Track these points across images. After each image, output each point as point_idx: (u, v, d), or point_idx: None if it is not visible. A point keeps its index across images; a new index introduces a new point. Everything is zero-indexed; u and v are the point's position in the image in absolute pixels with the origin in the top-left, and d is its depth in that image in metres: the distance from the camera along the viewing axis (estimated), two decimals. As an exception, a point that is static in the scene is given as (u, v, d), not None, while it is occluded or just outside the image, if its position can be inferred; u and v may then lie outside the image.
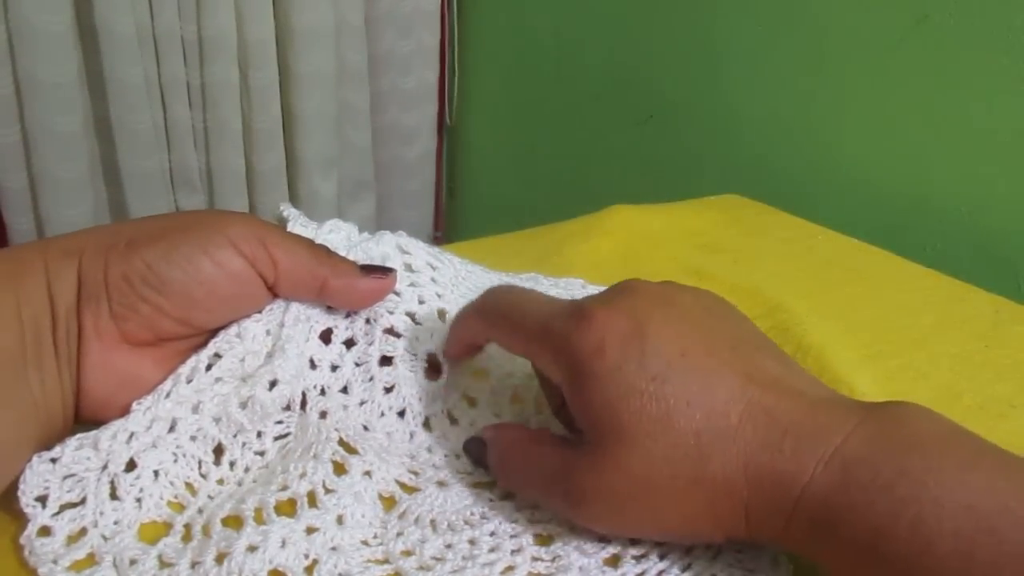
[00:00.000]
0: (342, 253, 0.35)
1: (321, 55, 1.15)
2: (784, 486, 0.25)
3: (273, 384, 0.33)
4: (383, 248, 0.36)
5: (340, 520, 0.29)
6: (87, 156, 1.08)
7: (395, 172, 1.35)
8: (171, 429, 0.31)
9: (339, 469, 0.31)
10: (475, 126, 1.38)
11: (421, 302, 0.36)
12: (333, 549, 0.28)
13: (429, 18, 1.28)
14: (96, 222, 1.10)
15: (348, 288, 0.33)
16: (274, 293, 0.33)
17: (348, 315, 0.35)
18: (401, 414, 0.35)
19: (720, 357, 0.27)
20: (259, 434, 0.33)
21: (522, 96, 1.26)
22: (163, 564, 0.27)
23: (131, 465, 0.30)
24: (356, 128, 1.25)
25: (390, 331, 0.35)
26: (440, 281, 0.37)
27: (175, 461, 0.31)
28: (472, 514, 0.30)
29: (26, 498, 0.28)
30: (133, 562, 0.27)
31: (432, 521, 0.30)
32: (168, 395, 0.31)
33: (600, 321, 0.27)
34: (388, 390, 0.35)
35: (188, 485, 0.31)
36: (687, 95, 0.95)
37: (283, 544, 0.27)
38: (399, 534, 0.29)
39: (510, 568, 0.28)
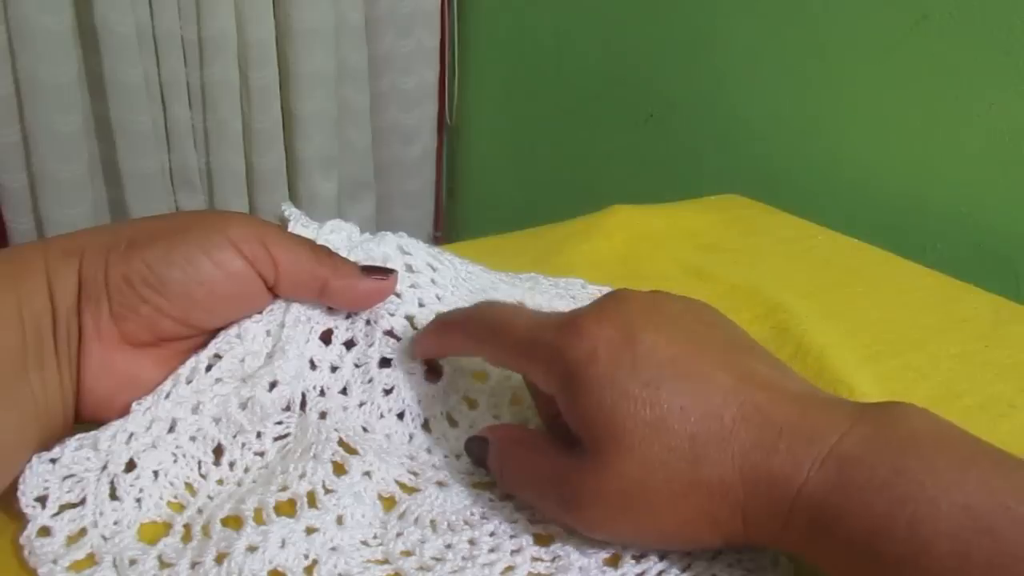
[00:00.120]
0: (343, 253, 0.35)
1: (321, 55, 1.15)
2: (780, 487, 0.25)
3: (273, 385, 0.33)
4: (384, 248, 0.36)
5: (340, 520, 0.29)
6: (87, 156, 1.08)
7: (395, 172, 1.35)
8: (171, 429, 0.31)
9: (339, 469, 0.31)
10: (475, 126, 1.38)
11: (421, 304, 0.36)
12: (333, 549, 0.28)
13: (429, 18, 1.28)
14: (96, 222, 1.10)
15: (349, 289, 0.33)
16: (274, 293, 0.33)
17: (348, 316, 0.35)
18: (400, 416, 0.35)
19: (711, 361, 0.27)
20: (259, 435, 0.33)
21: (522, 96, 1.26)
22: (163, 564, 0.27)
23: (131, 465, 0.30)
24: (356, 128, 1.25)
25: (390, 333, 0.35)
26: (440, 283, 0.37)
27: (175, 461, 0.31)
28: (472, 514, 0.30)
29: (26, 498, 0.28)
30: (133, 562, 0.27)
31: (432, 521, 0.30)
32: (168, 395, 0.31)
33: (590, 330, 0.27)
34: (387, 392, 0.35)
35: (188, 485, 0.31)
36: (687, 95, 0.95)
37: (283, 544, 0.27)
38: (399, 534, 0.29)
39: (510, 568, 0.28)
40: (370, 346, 0.35)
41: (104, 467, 0.29)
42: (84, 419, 0.30)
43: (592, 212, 0.61)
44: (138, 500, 0.29)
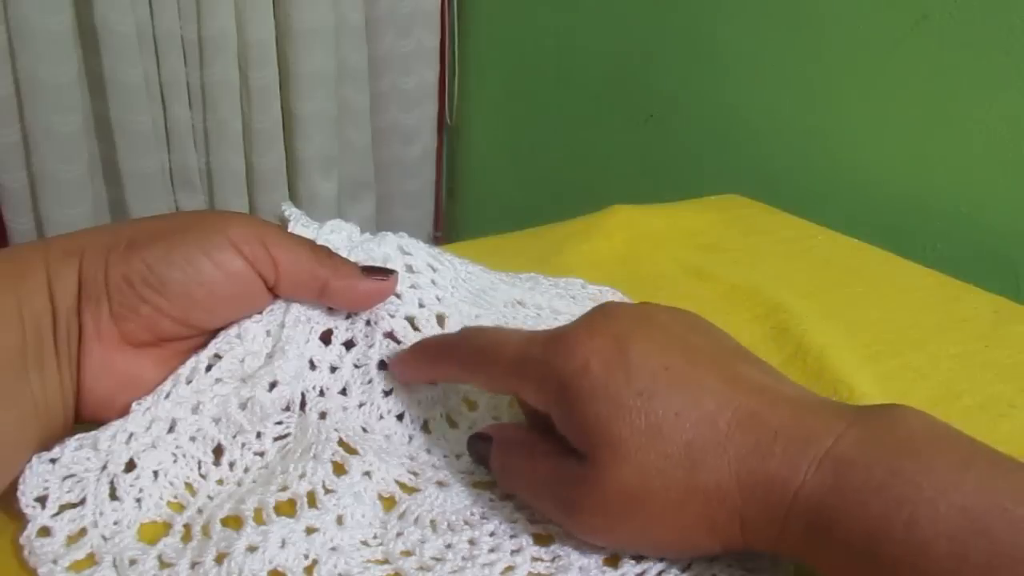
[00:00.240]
0: (343, 254, 0.35)
1: (321, 55, 1.15)
2: (777, 490, 0.25)
3: (273, 385, 0.33)
4: (384, 249, 0.36)
5: (340, 520, 0.29)
6: (87, 156, 1.08)
7: (395, 172, 1.35)
8: (171, 429, 0.31)
9: (339, 469, 0.31)
10: (475, 126, 1.38)
11: (421, 305, 0.36)
12: (333, 549, 0.28)
13: (429, 18, 1.28)
14: (96, 222, 1.10)
15: (349, 289, 0.33)
16: (275, 294, 0.33)
17: (349, 316, 0.35)
18: (400, 417, 0.35)
19: (704, 368, 0.27)
20: (259, 435, 0.33)
21: (522, 96, 1.26)
22: (163, 564, 0.27)
23: (131, 465, 0.30)
24: (356, 128, 1.25)
25: (390, 334, 0.35)
26: (440, 283, 0.37)
27: (175, 461, 0.31)
28: (472, 514, 0.30)
29: (26, 498, 0.28)
30: (133, 562, 0.27)
31: (432, 521, 0.30)
32: (168, 396, 0.31)
33: (581, 343, 0.27)
34: (387, 393, 0.35)
35: (188, 485, 0.31)
36: (687, 95, 0.95)
37: (283, 544, 0.27)
38: (399, 534, 0.29)
39: (510, 568, 0.28)
40: (370, 347, 0.35)
41: (104, 467, 0.29)
42: (84, 419, 0.30)
43: (592, 212, 0.61)
44: (138, 500, 0.29)
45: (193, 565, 0.27)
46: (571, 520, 0.28)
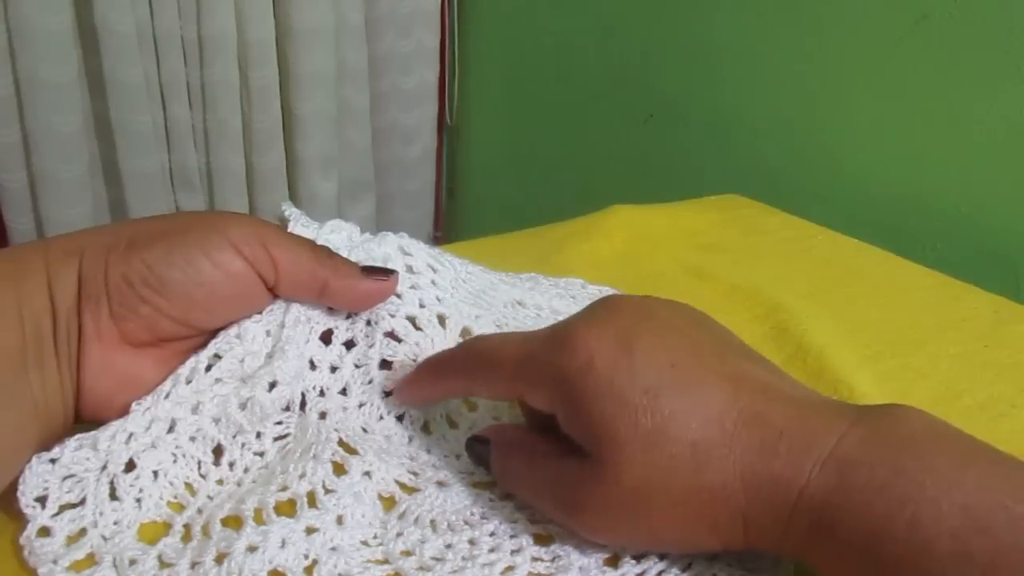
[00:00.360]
0: (343, 254, 0.35)
1: (321, 55, 1.15)
2: (781, 491, 0.25)
3: (273, 385, 0.33)
4: (385, 249, 0.36)
5: (340, 520, 0.29)
6: (87, 156, 1.08)
7: (395, 172, 1.35)
8: (170, 430, 0.31)
9: (339, 469, 0.31)
10: (475, 126, 1.38)
11: (422, 305, 0.36)
12: (333, 549, 0.28)
13: (429, 18, 1.28)
14: (96, 222, 1.10)
15: (349, 289, 0.33)
16: (275, 294, 0.33)
17: (349, 316, 0.35)
18: (400, 418, 0.35)
19: (709, 367, 0.27)
20: (258, 435, 0.33)
21: (522, 96, 1.26)
22: (163, 564, 0.27)
23: (130, 465, 0.30)
24: (356, 128, 1.25)
25: (391, 334, 0.35)
26: (440, 284, 0.37)
27: (174, 461, 0.31)
28: (472, 514, 0.30)
29: (26, 499, 0.28)
30: (133, 562, 0.27)
31: (432, 521, 0.30)
32: (167, 396, 0.31)
33: (585, 339, 0.27)
34: (388, 393, 0.35)
35: (188, 485, 0.31)
36: (687, 95, 0.95)
37: (283, 544, 0.27)
38: (399, 534, 0.29)
39: (510, 568, 0.28)
40: (370, 347, 0.35)
41: (104, 467, 0.29)
42: (84, 419, 0.30)
43: (592, 212, 0.61)
44: (138, 500, 0.29)
45: (193, 565, 0.27)
46: (574, 520, 0.28)
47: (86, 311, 0.29)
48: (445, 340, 0.36)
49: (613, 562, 0.28)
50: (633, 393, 0.26)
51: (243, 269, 0.31)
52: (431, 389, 0.33)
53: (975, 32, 0.66)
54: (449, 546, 0.29)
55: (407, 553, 0.28)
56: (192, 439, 0.31)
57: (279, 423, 0.33)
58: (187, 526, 0.29)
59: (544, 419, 0.29)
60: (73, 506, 0.28)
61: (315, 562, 0.27)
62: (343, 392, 0.34)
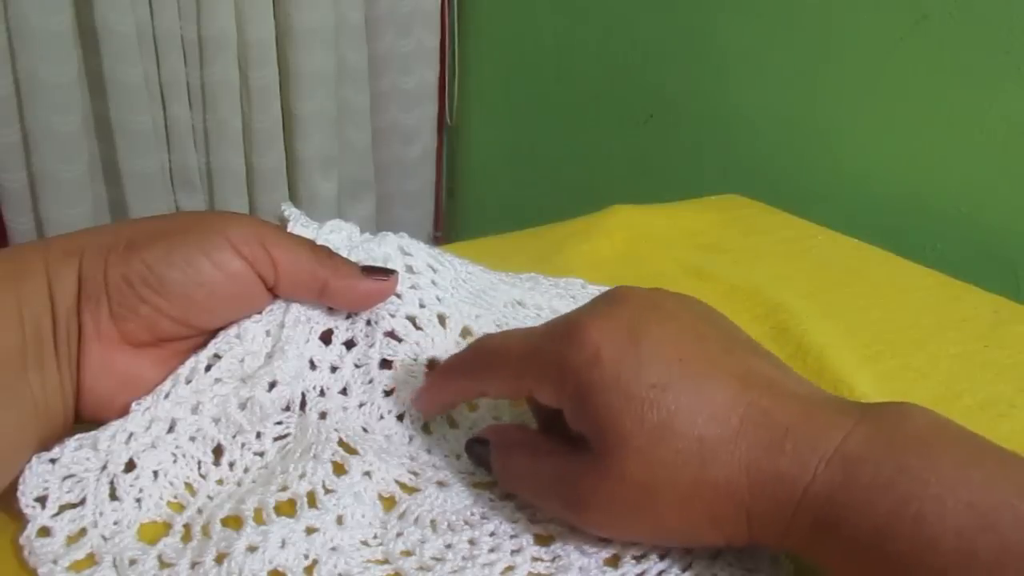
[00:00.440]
0: (343, 253, 0.35)
1: (321, 55, 1.15)
2: (786, 488, 0.25)
3: (272, 385, 0.33)
4: (385, 249, 0.36)
5: (340, 520, 0.29)
6: (87, 156, 1.08)
7: (395, 172, 1.35)
8: (170, 429, 0.31)
9: (339, 469, 0.31)
10: (475, 126, 1.38)
11: (422, 305, 0.36)
12: (333, 549, 0.28)
13: (429, 18, 1.28)
14: (96, 222, 1.10)
15: (349, 289, 0.33)
16: (274, 294, 0.33)
17: (349, 316, 0.35)
18: (400, 417, 0.35)
19: (717, 362, 0.27)
20: (258, 435, 0.33)
21: (522, 96, 1.26)
22: (163, 564, 0.27)
23: (130, 465, 0.30)
24: (356, 128, 1.25)
25: (391, 334, 0.35)
26: (440, 284, 0.37)
27: (174, 461, 0.31)
28: (472, 514, 0.30)
29: (26, 499, 0.28)
30: (133, 562, 0.27)
31: (432, 521, 0.30)
32: (167, 396, 0.31)
33: (593, 332, 0.27)
34: (388, 393, 0.35)
35: (187, 485, 0.31)
36: (687, 95, 0.95)
37: (283, 544, 0.27)
38: (399, 534, 0.29)
39: (510, 568, 0.28)
40: (370, 347, 0.35)
41: (104, 467, 0.29)
42: (84, 419, 0.30)
43: (592, 212, 0.61)
44: (138, 500, 0.29)
45: (193, 565, 0.27)
46: (576, 515, 0.28)
47: (86, 311, 0.29)
48: (445, 340, 0.36)
49: (613, 562, 0.28)
50: (639, 387, 0.26)
51: (243, 269, 0.31)
52: (444, 393, 0.33)
53: (975, 32, 0.66)
54: (449, 546, 0.29)
55: (407, 553, 0.28)
56: (192, 439, 0.31)
57: (279, 423, 0.33)
58: (187, 526, 0.29)
59: (553, 417, 0.29)
60: (73, 506, 0.28)
61: (315, 562, 0.27)
62: (343, 392, 0.34)
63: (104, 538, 0.28)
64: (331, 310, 0.34)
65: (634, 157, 1.05)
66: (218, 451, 0.32)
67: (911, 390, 0.41)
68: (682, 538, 0.27)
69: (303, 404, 0.34)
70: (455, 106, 1.38)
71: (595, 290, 0.47)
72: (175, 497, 0.30)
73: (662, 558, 0.28)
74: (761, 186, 0.74)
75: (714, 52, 0.90)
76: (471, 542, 0.29)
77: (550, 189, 1.22)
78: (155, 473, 0.30)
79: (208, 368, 0.32)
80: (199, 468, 0.31)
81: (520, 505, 0.31)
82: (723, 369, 0.26)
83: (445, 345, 0.35)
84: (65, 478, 0.29)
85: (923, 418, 0.25)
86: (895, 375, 0.43)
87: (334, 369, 0.34)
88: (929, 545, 0.22)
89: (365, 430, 0.34)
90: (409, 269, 0.36)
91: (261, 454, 0.32)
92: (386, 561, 0.28)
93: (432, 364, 0.36)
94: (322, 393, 0.34)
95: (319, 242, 0.35)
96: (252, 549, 0.27)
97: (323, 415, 0.34)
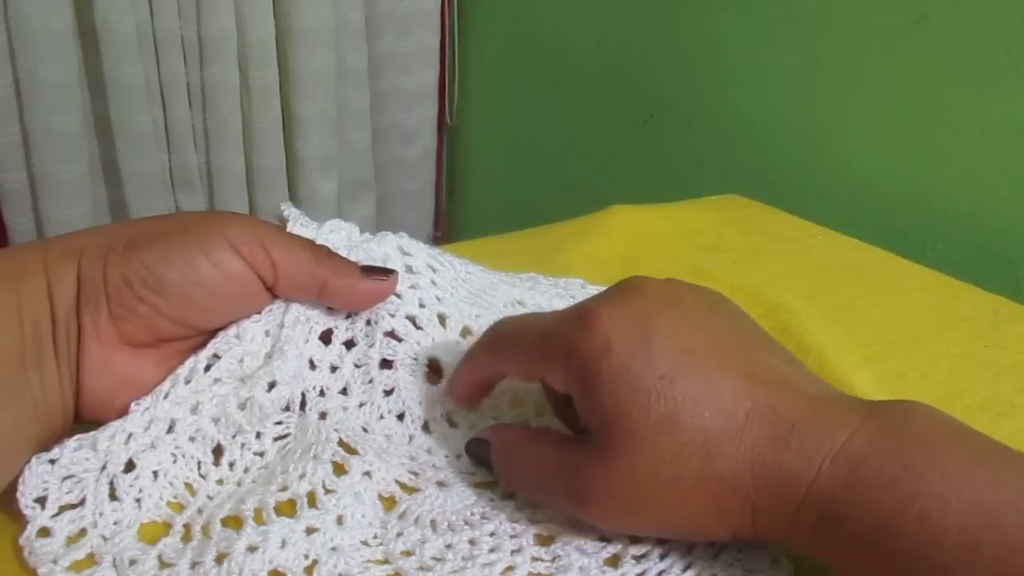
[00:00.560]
0: (343, 253, 0.35)
1: (321, 55, 1.15)
2: (791, 484, 0.25)
3: (272, 385, 0.33)
4: (384, 249, 0.36)
5: (340, 520, 0.29)
6: (87, 156, 1.08)
7: (395, 172, 1.35)
8: (170, 430, 0.31)
9: (339, 469, 0.31)
10: (475, 126, 1.38)
11: (422, 305, 0.36)
12: (333, 549, 0.28)
13: (429, 18, 1.28)
14: (96, 222, 1.10)
15: (348, 289, 0.33)
16: (274, 294, 0.33)
17: (348, 316, 0.35)
18: (400, 417, 0.35)
19: (726, 355, 0.27)
20: (258, 435, 0.33)
21: (522, 96, 1.26)
22: (163, 564, 0.27)
23: (130, 466, 0.30)
24: (356, 128, 1.25)
25: (391, 334, 0.35)
26: (440, 284, 0.37)
27: (174, 462, 0.31)
28: (472, 514, 0.30)
29: (25, 499, 0.28)
30: (133, 562, 0.27)
31: (432, 521, 0.30)
32: (167, 396, 0.31)
33: (605, 320, 0.27)
34: (388, 393, 0.35)
35: (187, 485, 0.31)
36: (687, 95, 0.95)
37: (283, 544, 0.27)
38: (399, 534, 0.29)
39: (510, 568, 0.28)
40: (370, 347, 0.35)
41: (103, 467, 0.29)
42: (84, 419, 0.30)
43: (592, 212, 0.61)
44: (138, 500, 0.29)
45: (193, 565, 0.27)
46: (581, 508, 0.28)
47: (85, 311, 0.29)
48: (445, 339, 0.36)
49: (613, 562, 0.28)
50: (648, 378, 0.26)
51: (242, 269, 0.31)
52: (468, 378, 0.33)
53: (975, 32, 0.66)
54: (449, 546, 0.29)
55: (407, 553, 0.28)
56: (192, 439, 0.31)
57: (279, 423, 0.33)
58: (187, 526, 0.29)
59: (566, 404, 0.29)
60: (73, 506, 0.28)
61: (315, 562, 0.27)
62: (343, 392, 0.34)
63: (104, 538, 0.28)
64: (331, 310, 0.34)
65: (634, 157, 1.05)
66: (218, 451, 0.32)
67: (911, 390, 0.41)
68: (686, 531, 0.27)
69: (303, 404, 0.34)
70: (455, 106, 1.38)
71: (595, 290, 0.47)
72: (175, 497, 0.30)
73: (662, 558, 0.28)
74: (761, 186, 0.74)
75: (714, 52, 0.90)
76: (471, 542, 0.29)
77: (550, 189, 1.22)
78: (155, 473, 0.30)
79: (207, 368, 0.32)
80: (199, 468, 0.31)
81: (520, 505, 0.31)
82: (732, 363, 0.26)
83: (445, 345, 0.35)
84: (65, 478, 0.29)
85: (928, 416, 0.25)
86: (895, 375, 0.43)
87: (334, 369, 0.34)
88: (933, 543, 0.22)
89: (365, 430, 0.34)
90: (409, 269, 0.36)
91: (261, 454, 0.32)
92: (386, 561, 0.28)
93: (432, 364, 0.36)
94: (322, 393, 0.34)
95: (319, 242, 0.35)
96: (252, 549, 0.27)
97: (323, 415, 0.34)
